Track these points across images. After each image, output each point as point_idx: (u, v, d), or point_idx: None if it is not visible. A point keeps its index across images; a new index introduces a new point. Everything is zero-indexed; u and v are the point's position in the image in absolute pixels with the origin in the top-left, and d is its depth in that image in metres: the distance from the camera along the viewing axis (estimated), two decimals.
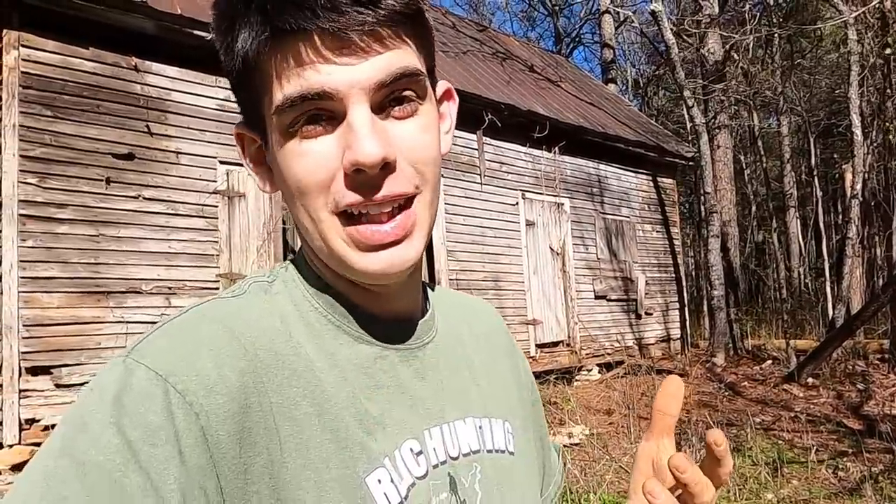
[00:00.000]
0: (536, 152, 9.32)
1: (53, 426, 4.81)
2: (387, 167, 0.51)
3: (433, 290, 0.70)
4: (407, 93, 0.52)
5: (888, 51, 9.32)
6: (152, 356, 0.46)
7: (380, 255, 0.53)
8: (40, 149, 5.02)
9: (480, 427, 0.63)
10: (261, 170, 0.59)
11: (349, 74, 0.49)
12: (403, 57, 0.51)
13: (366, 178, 0.51)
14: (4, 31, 4.94)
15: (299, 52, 0.49)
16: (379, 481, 0.52)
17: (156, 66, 5.67)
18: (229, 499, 0.45)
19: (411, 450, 0.56)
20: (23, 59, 4.98)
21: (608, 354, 9.69)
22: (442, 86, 0.62)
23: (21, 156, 4.92)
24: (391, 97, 0.52)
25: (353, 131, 0.49)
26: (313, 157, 0.51)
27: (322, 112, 0.50)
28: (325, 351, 0.55)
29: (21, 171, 4.91)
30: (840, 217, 18.48)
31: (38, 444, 4.77)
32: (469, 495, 0.58)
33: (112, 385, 0.45)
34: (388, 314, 0.59)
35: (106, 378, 0.46)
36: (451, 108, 0.63)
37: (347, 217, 0.52)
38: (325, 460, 0.50)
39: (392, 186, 0.52)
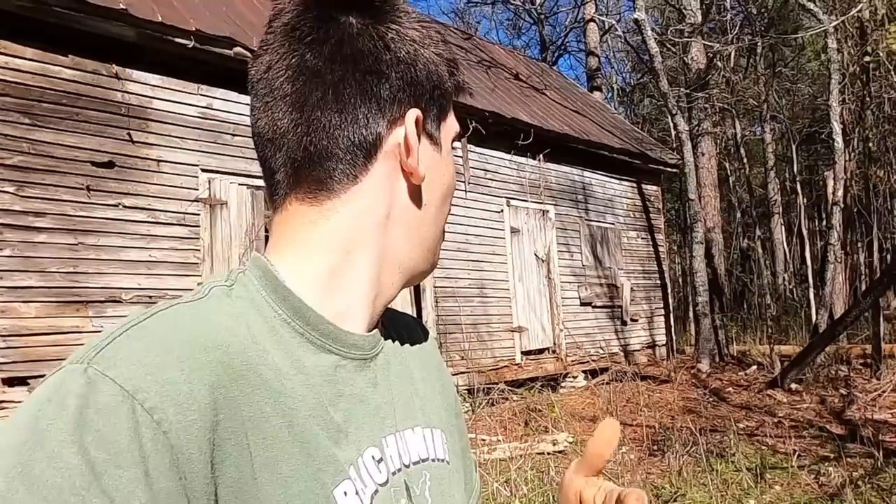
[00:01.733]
0: (521, 159, 9.35)
1: None
2: None
3: None
4: None
5: (867, 58, 9.45)
6: (117, 368, 0.43)
7: None
8: (18, 157, 4.96)
9: (424, 436, 0.64)
10: (424, 149, 0.64)
11: None
12: None
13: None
14: None
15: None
16: (345, 493, 0.52)
17: (137, 74, 5.64)
18: None
19: (373, 457, 0.57)
20: (0, 67, 4.93)
21: (594, 361, 9.70)
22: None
23: None
24: None
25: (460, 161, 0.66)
26: (454, 177, 0.67)
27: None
28: (292, 358, 0.54)
29: None
30: (823, 223, 18.67)
31: None
32: (421, 502, 0.60)
33: (73, 398, 0.42)
34: (358, 325, 0.61)
35: (66, 388, 0.43)
36: None
37: None
38: (295, 473, 0.49)
39: None
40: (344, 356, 0.58)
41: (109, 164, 5.41)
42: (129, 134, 5.52)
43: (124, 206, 5.45)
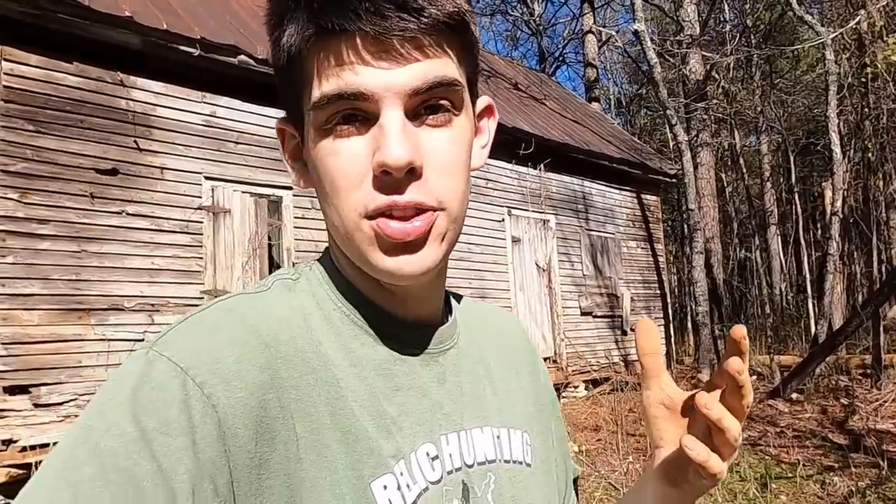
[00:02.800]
0: (522, 169, 9.37)
1: (32, 447, 4.69)
2: (412, 172, 0.51)
3: (457, 298, 0.70)
4: (443, 102, 0.53)
5: (868, 70, 9.52)
6: (174, 349, 0.47)
7: (398, 258, 0.52)
8: (22, 164, 4.95)
9: (498, 437, 0.62)
10: (297, 165, 0.60)
11: (386, 78, 0.50)
12: (442, 66, 0.52)
13: (392, 182, 0.51)
14: None
15: (339, 52, 0.50)
16: (384, 487, 0.52)
17: (141, 81, 5.63)
18: (241, 493, 0.45)
19: (427, 453, 0.55)
20: (5, 74, 4.92)
21: (595, 371, 9.68)
22: (483, 101, 0.63)
23: (1, 171, 4.84)
24: (426, 105, 0.52)
25: (384, 133, 0.50)
26: (345, 156, 0.52)
27: (356, 112, 0.51)
28: (346, 350, 0.55)
29: (1, 186, 4.83)
30: (820, 234, 18.75)
31: (16, 467, 4.65)
32: None
33: (132, 376, 0.46)
34: (411, 318, 0.59)
35: (128, 369, 0.47)
36: (491, 125, 0.65)
37: (373, 218, 0.53)
38: (335, 460, 0.50)
39: (415, 195, 0.51)
40: (407, 350, 0.58)
41: (113, 172, 5.39)
42: (134, 141, 5.51)
43: (127, 214, 5.43)
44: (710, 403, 0.52)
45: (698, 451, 0.52)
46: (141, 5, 5.53)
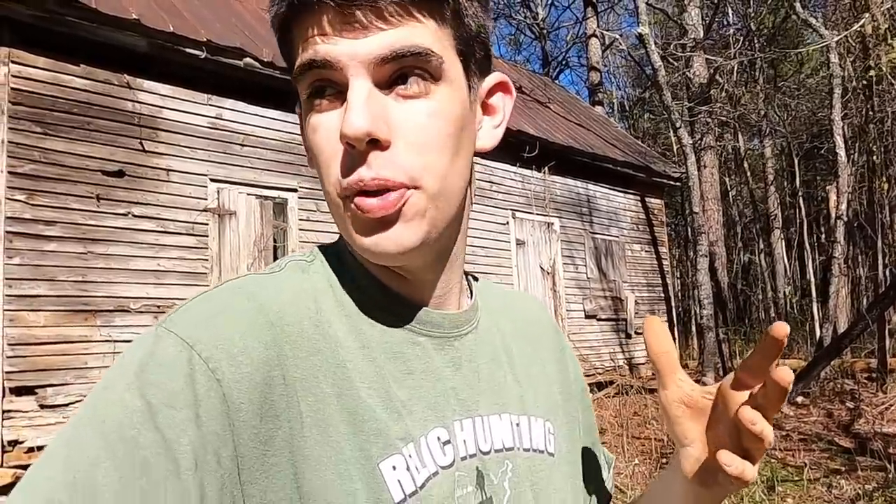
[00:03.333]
0: (526, 172, 9.37)
1: (39, 448, 4.70)
2: (376, 144, 0.49)
3: (477, 281, 0.69)
4: (417, 71, 0.50)
5: (872, 73, 9.51)
6: (181, 325, 0.48)
7: (375, 235, 0.51)
8: (29, 165, 4.97)
9: (518, 424, 0.61)
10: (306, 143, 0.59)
11: (350, 47, 0.49)
12: (412, 34, 0.50)
13: (357, 155, 0.50)
14: None
15: (310, 26, 0.50)
16: (393, 468, 0.51)
17: (147, 84, 5.66)
18: (246, 467, 0.46)
19: (438, 438, 0.54)
20: (13, 76, 4.95)
21: (599, 374, 9.66)
22: (495, 77, 0.60)
23: (9, 172, 4.87)
24: (398, 74, 0.50)
25: (347, 103, 0.49)
26: (321, 131, 0.52)
27: (326, 84, 0.51)
28: (356, 332, 0.54)
29: (9, 187, 4.85)
30: (824, 237, 18.70)
31: (22, 467, 4.66)
32: (496, 492, 0.57)
33: (140, 352, 0.47)
34: (425, 300, 0.58)
35: (136, 346, 0.48)
36: (505, 103, 0.61)
37: (349, 198, 0.52)
38: (341, 441, 0.50)
39: (380, 169, 0.50)
40: (420, 333, 0.57)
41: (119, 174, 5.41)
42: (140, 143, 5.53)
43: (133, 216, 5.45)
44: (756, 419, 0.50)
45: (735, 465, 0.51)
46: (147, 8, 5.55)
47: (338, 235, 0.60)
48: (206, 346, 0.46)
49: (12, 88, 4.94)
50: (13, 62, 4.96)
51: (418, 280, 0.58)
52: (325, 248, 0.60)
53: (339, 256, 0.59)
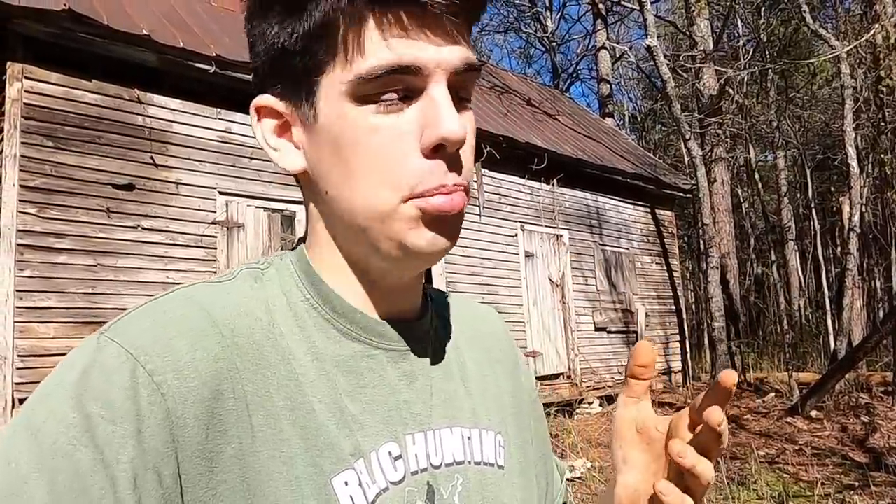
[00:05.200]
0: (535, 184, 9.37)
1: None
2: (459, 150, 0.51)
3: (434, 293, 0.68)
4: (469, 86, 0.53)
5: (884, 83, 9.45)
6: (126, 335, 0.46)
7: (435, 232, 0.51)
8: (40, 179, 5.04)
9: (469, 438, 0.60)
10: (285, 145, 0.55)
11: (438, 53, 0.49)
12: (470, 49, 0.52)
13: (443, 158, 0.50)
14: (9, 63, 5.00)
15: (394, 22, 0.48)
16: (346, 483, 0.50)
17: (158, 98, 5.73)
18: (190, 486, 0.44)
19: (389, 453, 0.53)
20: (26, 91, 5.03)
21: (609, 387, 9.58)
22: None
23: (21, 186, 4.94)
24: (458, 86, 0.52)
25: (438, 106, 0.49)
26: (387, 133, 0.49)
27: (403, 88, 0.49)
28: (310, 344, 0.53)
29: (21, 200, 4.92)
30: (838, 249, 18.52)
31: None
32: None
33: (80, 361, 0.45)
34: (384, 313, 0.57)
35: (77, 354, 0.46)
36: None
37: (412, 199, 0.51)
38: (293, 456, 0.49)
39: (457, 177, 0.51)
40: (374, 346, 0.56)
41: (129, 187, 5.47)
42: (150, 157, 5.60)
43: (143, 228, 5.50)
44: (684, 452, 0.49)
45: (673, 495, 0.50)
46: (158, 24, 5.64)
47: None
48: (152, 357, 0.45)
49: (25, 103, 5.02)
50: (27, 78, 5.04)
51: (390, 290, 0.57)
52: (282, 257, 0.59)
53: (296, 265, 0.57)
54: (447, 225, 0.51)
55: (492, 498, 0.59)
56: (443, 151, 0.49)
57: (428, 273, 7.80)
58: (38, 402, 0.44)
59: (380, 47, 0.48)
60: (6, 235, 4.85)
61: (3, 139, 4.99)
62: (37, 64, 5.09)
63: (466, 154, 0.52)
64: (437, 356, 0.61)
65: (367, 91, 0.49)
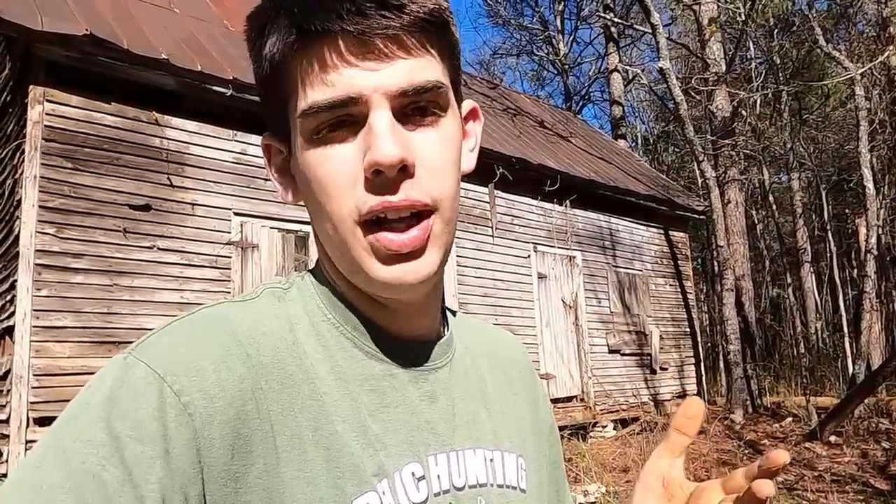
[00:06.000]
0: (548, 205, 9.37)
1: None
2: (405, 171, 0.50)
3: (454, 315, 0.68)
4: (430, 104, 0.52)
5: None
6: (153, 355, 0.46)
7: (395, 266, 0.51)
8: (59, 200, 5.11)
9: (491, 459, 0.60)
10: (285, 180, 0.59)
11: (372, 79, 0.49)
12: (426, 66, 0.51)
13: (384, 181, 0.50)
14: (31, 86, 5.10)
15: (324, 55, 0.49)
16: None
17: (175, 121, 5.81)
18: None
19: (413, 473, 0.53)
20: (47, 114, 5.13)
21: (623, 410, 9.47)
22: (468, 104, 0.62)
23: (40, 206, 5.01)
24: (413, 106, 0.51)
25: (374, 133, 0.49)
26: (336, 162, 0.51)
27: (345, 118, 0.50)
28: (333, 363, 0.54)
29: (39, 221, 4.99)
30: (855, 272, 18.31)
31: None
32: None
33: (108, 381, 0.45)
34: (403, 333, 0.58)
35: (105, 374, 0.46)
36: (477, 128, 0.63)
37: (368, 226, 0.51)
38: (316, 477, 0.49)
39: (409, 192, 0.51)
40: (396, 365, 0.56)
41: (146, 207, 5.53)
42: (167, 178, 5.67)
43: (158, 249, 5.55)
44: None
45: None
46: (176, 48, 5.74)
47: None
48: (179, 377, 0.45)
49: (46, 126, 5.11)
50: (48, 101, 5.14)
51: (403, 311, 0.57)
52: (302, 276, 0.59)
53: (316, 285, 0.58)
54: (406, 259, 0.51)
55: None
56: (381, 177, 0.49)
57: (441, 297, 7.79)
58: (67, 422, 0.44)
59: (317, 82, 0.49)
60: (25, 255, 4.91)
61: (23, 161, 5.07)
62: (58, 87, 5.19)
63: (427, 173, 0.51)
64: (457, 377, 0.61)
65: (313, 126, 0.50)
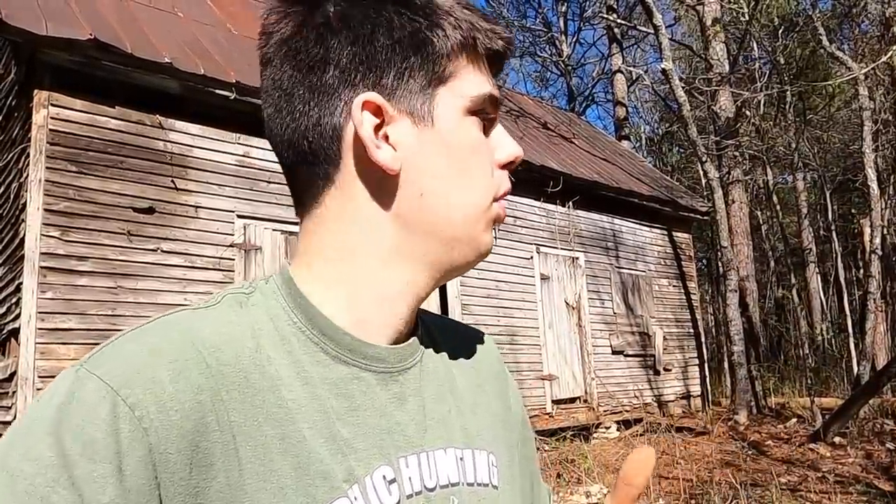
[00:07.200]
0: (550, 207, 9.38)
1: None
2: None
3: (423, 315, 0.67)
4: None
5: None
6: (106, 367, 0.44)
7: (491, 235, 0.61)
8: (64, 203, 5.15)
9: (462, 458, 0.59)
10: (384, 145, 0.55)
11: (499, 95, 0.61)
12: None
13: (509, 170, 0.61)
14: (35, 91, 5.14)
15: (488, 67, 0.60)
16: None
17: (179, 124, 5.85)
18: None
19: (384, 477, 0.53)
20: (51, 118, 5.17)
21: (626, 412, 9.47)
22: None
23: (45, 209, 5.05)
24: None
25: (505, 135, 0.61)
26: (488, 146, 0.59)
27: (489, 117, 0.60)
28: (299, 368, 0.52)
29: (44, 224, 5.03)
30: (861, 272, 18.24)
31: None
32: None
33: (59, 396, 0.43)
34: (372, 333, 0.57)
35: (55, 388, 0.44)
36: None
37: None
38: (284, 486, 0.47)
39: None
40: (364, 368, 0.55)
41: (150, 210, 5.57)
42: (171, 181, 5.70)
43: (162, 251, 5.59)
44: None
45: None
46: (180, 51, 5.78)
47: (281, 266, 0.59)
48: (134, 390, 0.43)
49: (50, 129, 5.15)
50: (52, 105, 5.18)
51: (407, 307, 0.58)
52: (266, 280, 0.58)
53: (281, 288, 0.56)
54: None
55: None
56: (508, 166, 0.61)
57: (444, 296, 7.81)
58: (14, 440, 0.42)
59: (486, 83, 0.58)
60: (30, 258, 4.96)
61: (28, 164, 5.11)
62: (62, 91, 5.24)
63: None
64: (427, 377, 0.61)
65: (478, 108, 0.57)
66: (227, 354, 0.49)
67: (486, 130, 0.60)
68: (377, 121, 0.54)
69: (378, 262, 0.56)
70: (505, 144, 0.60)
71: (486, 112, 0.58)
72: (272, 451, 0.48)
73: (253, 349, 0.51)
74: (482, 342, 0.73)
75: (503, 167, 0.60)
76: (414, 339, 0.61)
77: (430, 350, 0.63)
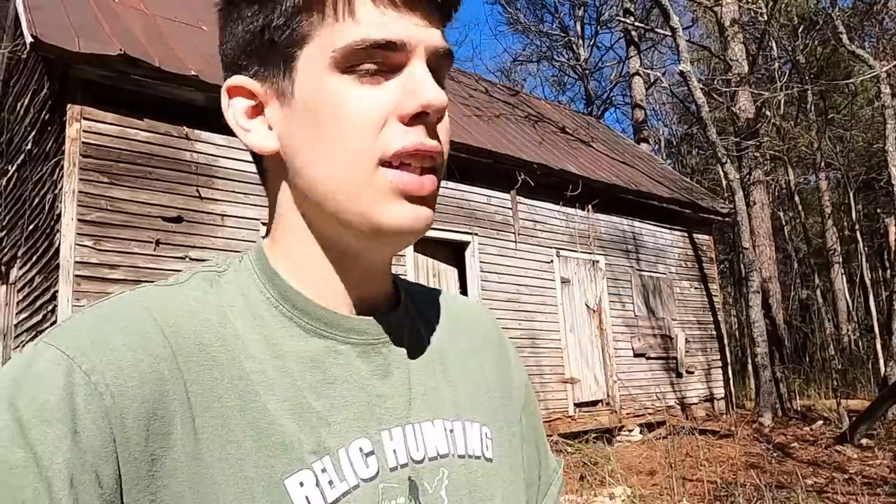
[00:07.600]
0: (570, 210, 9.41)
1: None
2: (439, 119, 0.52)
3: (408, 286, 0.66)
4: (444, 74, 0.54)
5: None
6: (64, 338, 0.45)
7: (411, 208, 0.51)
8: (96, 213, 5.31)
9: (451, 430, 0.58)
10: (258, 125, 0.55)
11: (420, 33, 0.51)
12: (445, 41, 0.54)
13: (426, 123, 0.51)
14: (68, 105, 5.32)
15: (411, 3, 0.51)
16: (301, 484, 0.48)
17: (205, 135, 6.00)
18: (130, 488, 0.43)
19: (360, 449, 0.52)
20: (84, 131, 5.34)
21: (649, 414, 9.44)
22: None
23: (79, 220, 5.21)
24: (432, 69, 0.53)
25: (418, 79, 0.50)
26: (370, 101, 0.50)
27: (383, 63, 0.50)
28: (269, 342, 0.52)
29: (78, 234, 5.19)
30: (887, 272, 17.96)
31: None
32: (433, 501, 0.54)
33: (17, 368, 0.44)
34: (354, 303, 0.57)
35: (14, 361, 0.45)
36: None
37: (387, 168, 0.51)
38: (243, 457, 0.47)
39: (437, 143, 0.52)
40: (342, 341, 0.54)
41: (178, 219, 5.72)
42: (197, 190, 5.85)
43: (190, 259, 5.72)
44: None
45: None
46: (205, 64, 5.93)
47: (257, 244, 0.59)
48: (89, 357, 0.44)
49: (83, 142, 5.32)
50: (84, 119, 5.36)
51: (360, 279, 0.56)
52: (241, 258, 0.58)
53: (255, 264, 0.56)
54: (419, 203, 0.51)
55: (479, 491, 0.58)
56: (423, 119, 0.50)
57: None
58: None
59: (371, 19, 0.49)
60: (65, 267, 5.12)
61: (62, 176, 5.29)
62: (94, 105, 5.41)
63: (444, 131, 0.53)
64: (414, 348, 0.60)
65: (351, 62, 0.49)
66: (186, 328, 0.49)
67: (387, 79, 0.50)
68: (252, 103, 0.54)
69: (297, 242, 0.56)
70: (417, 92, 0.50)
71: (373, 60, 0.49)
72: (231, 423, 0.48)
73: (217, 324, 0.51)
74: (476, 312, 0.71)
75: (413, 121, 0.50)
76: (397, 311, 0.59)
77: (418, 321, 0.63)
